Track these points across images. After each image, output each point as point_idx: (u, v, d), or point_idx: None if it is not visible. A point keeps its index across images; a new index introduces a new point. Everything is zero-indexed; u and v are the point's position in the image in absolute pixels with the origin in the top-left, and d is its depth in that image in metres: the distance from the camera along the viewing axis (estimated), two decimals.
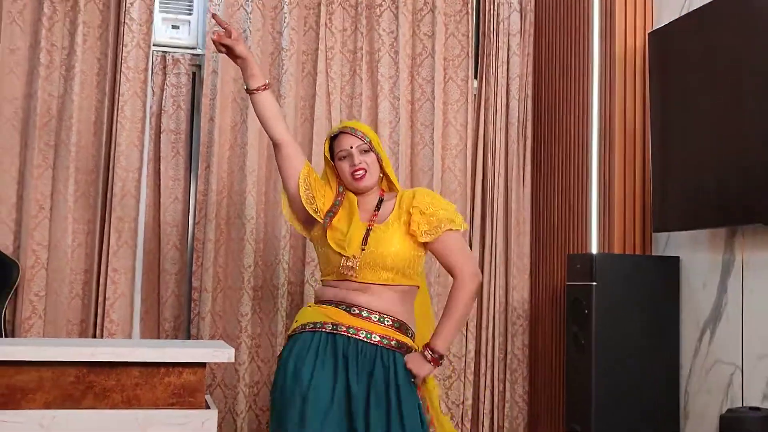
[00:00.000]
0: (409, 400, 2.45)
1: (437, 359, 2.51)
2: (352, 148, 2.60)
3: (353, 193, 2.66)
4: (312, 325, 2.55)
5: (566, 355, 3.30)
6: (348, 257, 2.53)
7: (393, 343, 2.51)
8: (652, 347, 3.15)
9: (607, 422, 3.06)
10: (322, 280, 2.73)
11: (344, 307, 2.54)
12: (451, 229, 2.55)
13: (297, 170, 2.67)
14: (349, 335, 2.49)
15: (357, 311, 2.52)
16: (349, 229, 2.57)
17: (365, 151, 2.61)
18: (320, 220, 2.62)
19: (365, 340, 2.49)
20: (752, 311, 2.84)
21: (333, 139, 2.67)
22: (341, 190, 2.68)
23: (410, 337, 2.58)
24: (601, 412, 3.06)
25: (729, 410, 2.59)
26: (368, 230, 2.56)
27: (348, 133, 2.63)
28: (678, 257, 3.24)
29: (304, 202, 2.64)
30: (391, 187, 2.74)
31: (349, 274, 2.54)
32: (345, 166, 2.61)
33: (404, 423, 2.40)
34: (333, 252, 2.56)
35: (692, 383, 3.12)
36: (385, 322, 2.52)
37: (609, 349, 3.10)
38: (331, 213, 2.62)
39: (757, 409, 2.57)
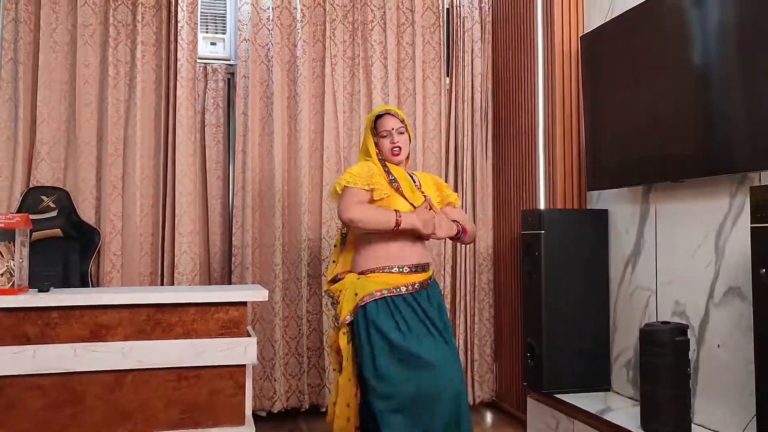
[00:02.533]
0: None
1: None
2: (393, 129, 2.58)
3: (388, 161, 2.61)
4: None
5: (522, 286, 3.30)
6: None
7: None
8: (587, 279, 3.16)
9: (554, 336, 3.08)
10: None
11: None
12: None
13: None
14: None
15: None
16: (414, 193, 2.58)
17: (401, 132, 2.59)
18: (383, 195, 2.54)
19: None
20: (663, 249, 2.83)
21: (378, 117, 2.63)
22: (386, 169, 2.60)
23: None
24: (549, 329, 3.08)
25: (646, 324, 2.60)
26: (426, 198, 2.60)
27: (392, 115, 2.61)
28: (606, 210, 3.23)
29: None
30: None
31: None
32: (386, 143, 2.59)
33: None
34: (405, 205, 2.54)
35: (618, 305, 3.12)
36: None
37: (554, 281, 3.10)
38: (396, 184, 2.57)
39: (667, 322, 2.57)
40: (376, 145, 2.62)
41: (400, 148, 2.58)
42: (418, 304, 2.49)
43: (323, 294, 2.68)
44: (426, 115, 4.05)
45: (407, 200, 2.55)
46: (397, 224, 2.44)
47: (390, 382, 2.38)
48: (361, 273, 2.55)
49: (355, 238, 2.64)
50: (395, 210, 2.47)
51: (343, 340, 2.53)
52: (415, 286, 2.53)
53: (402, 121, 2.61)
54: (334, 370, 2.67)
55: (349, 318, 2.50)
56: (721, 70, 2.40)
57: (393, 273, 2.52)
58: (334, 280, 2.65)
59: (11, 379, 2.30)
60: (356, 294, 2.51)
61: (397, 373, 2.38)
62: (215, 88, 3.82)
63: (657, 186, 2.86)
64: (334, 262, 2.74)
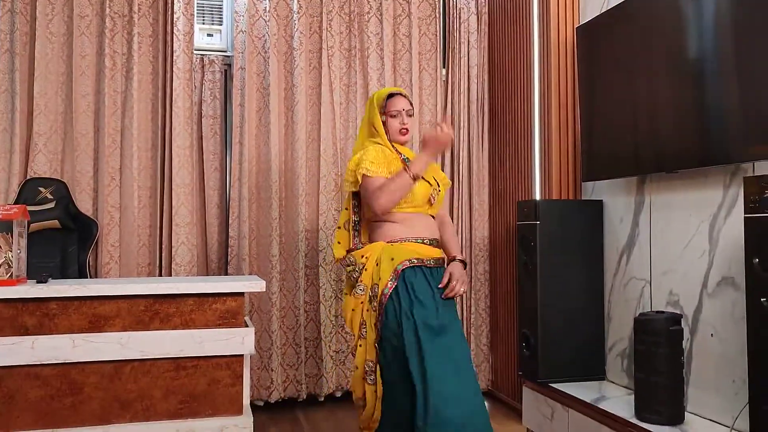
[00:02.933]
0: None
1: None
2: (403, 110, 2.57)
3: (394, 141, 2.56)
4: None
5: (517, 277, 3.32)
6: (434, 186, 2.52)
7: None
8: (582, 269, 3.17)
9: (550, 326, 3.09)
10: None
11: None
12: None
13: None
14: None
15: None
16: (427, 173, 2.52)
17: (410, 115, 2.59)
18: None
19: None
20: (657, 239, 2.85)
21: (389, 97, 2.58)
22: (397, 150, 2.56)
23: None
24: (544, 319, 3.09)
25: (641, 314, 2.61)
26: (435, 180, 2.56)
27: (403, 96, 2.59)
28: (601, 200, 3.24)
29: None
30: None
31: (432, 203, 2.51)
32: (395, 123, 2.56)
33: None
34: (422, 183, 2.47)
35: (613, 295, 3.14)
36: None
37: (550, 272, 3.11)
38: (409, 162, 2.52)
39: (661, 312, 2.59)
40: (384, 124, 2.57)
41: (408, 130, 2.57)
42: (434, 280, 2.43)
43: (345, 259, 2.54)
44: (422, 107, 4.05)
45: (424, 179, 2.48)
46: (414, 177, 2.39)
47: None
48: (389, 242, 2.44)
49: (370, 215, 2.54)
50: (402, 169, 2.41)
51: (362, 312, 2.42)
52: (438, 262, 2.47)
53: (411, 106, 2.61)
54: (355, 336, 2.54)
55: (390, 286, 2.33)
56: (716, 62, 2.41)
57: (423, 244, 2.45)
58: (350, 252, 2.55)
59: (10, 369, 2.31)
60: (392, 259, 2.37)
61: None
62: (212, 79, 3.82)
63: (651, 177, 2.87)
64: (338, 243, 2.63)
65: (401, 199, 2.41)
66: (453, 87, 4.09)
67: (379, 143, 2.54)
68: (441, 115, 4.06)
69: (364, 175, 2.43)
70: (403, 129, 2.55)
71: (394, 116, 2.56)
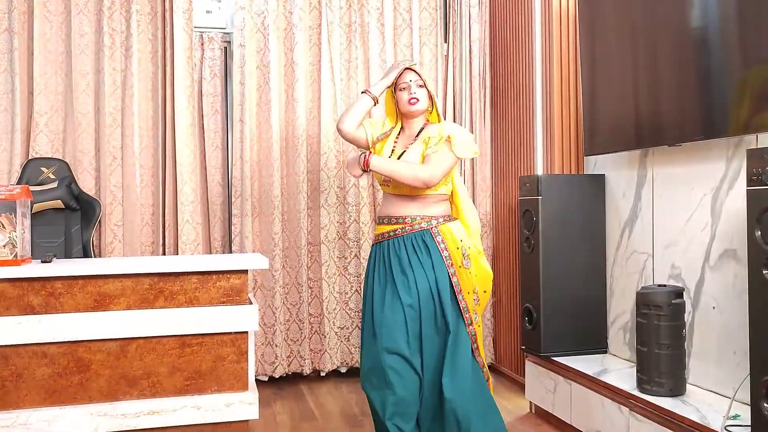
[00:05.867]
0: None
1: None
2: (411, 81, 2.60)
3: (407, 115, 2.64)
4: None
5: (520, 252, 3.32)
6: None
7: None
8: (584, 244, 3.17)
9: (552, 301, 3.10)
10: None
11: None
12: (448, 151, 2.53)
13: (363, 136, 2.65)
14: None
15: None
16: (383, 148, 2.64)
17: (420, 86, 2.60)
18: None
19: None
20: (660, 213, 2.84)
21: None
22: (396, 121, 2.68)
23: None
24: (547, 294, 3.10)
25: (643, 287, 2.61)
26: (403, 152, 2.58)
27: (412, 69, 2.63)
28: (603, 174, 3.23)
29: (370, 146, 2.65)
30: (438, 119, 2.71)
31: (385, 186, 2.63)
32: (404, 95, 2.60)
33: None
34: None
35: (616, 269, 3.15)
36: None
37: (552, 246, 3.12)
38: (379, 138, 2.65)
39: (663, 285, 2.59)
40: (397, 103, 2.64)
41: (418, 99, 2.59)
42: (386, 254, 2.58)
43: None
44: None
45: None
46: (371, 98, 2.60)
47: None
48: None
49: None
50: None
51: None
52: (396, 232, 2.57)
53: (421, 77, 2.61)
54: None
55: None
56: (719, 33, 2.38)
57: (381, 224, 2.63)
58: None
59: (17, 348, 2.33)
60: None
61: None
62: (212, 57, 3.79)
63: (654, 150, 2.86)
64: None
65: (355, 116, 2.58)
66: (454, 62, 4.06)
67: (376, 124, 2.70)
68: (442, 91, 4.03)
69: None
70: (412, 99, 2.59)
71: (403, 89, 2.61)
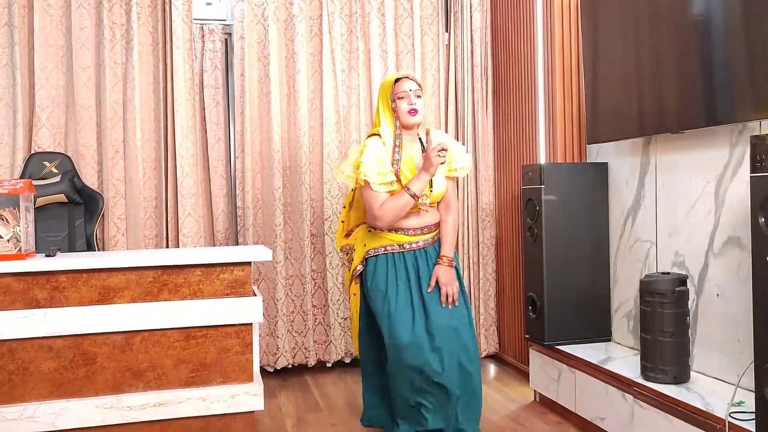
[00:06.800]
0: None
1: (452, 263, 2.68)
2: (410, 91, 2.62)
3: (404, 126, 2.66)
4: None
5: (523, 241, 3.32)
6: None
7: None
8: (588, 232, 3.16)
9: (555, 289, 3.10)
10: None
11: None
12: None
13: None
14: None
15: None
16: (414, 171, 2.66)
17: (418, 96, 2.64)
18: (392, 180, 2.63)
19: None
20: (663, 200, 2.83)
21: (396, 81, 2.66)
22: (397, 133, 2.65)
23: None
24: (550, 283, 3.10)
25: (646, 275, 2.61)
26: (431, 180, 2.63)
27: (410, 78, 2.66)
28: (606, 163, 3.22)
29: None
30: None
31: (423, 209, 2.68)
32: (403, 104, 2.63)
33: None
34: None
35: (619, 257, 3.14)
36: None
37: (555, 235, 3.11)
38: (397, 166, 2.62)
39: (667, 273, 2.59)
40: (394, 110, 2.65)
41: (417, 110, 2.63)
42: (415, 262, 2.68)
43: (339, 251, 2.91)
44: (425, 72, 4.01)
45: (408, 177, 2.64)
46: (414, 197, 2.58)
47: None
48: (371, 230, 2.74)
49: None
50: (405, 188, 2.58)
51: (354, 288, 2.83)
52: (419, 244, 2.68)
53: (420, 86, 2.67)
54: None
55: (359, 269, 2.72)
56: (723, 18, 2.37)
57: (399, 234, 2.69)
58: (348, 234, 2.86)
59: (23, 341, 2.35)
60: (365, 245, 2.71)
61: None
62: (212, 48, 3.78)
63: (657, 137, 2.85)
64: (342, 222, 2.91)
65: (403, 216, 2.63)
66: (456, 51, 4.04)
67: (377, 134, 2.67)
68: (444, 81, 4.02)
69: (366, 181, 2.59)
70: (412, 109, 2.62)
71: (402, 98, 2.63)
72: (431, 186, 2.63)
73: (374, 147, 2.62)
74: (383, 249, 2.67)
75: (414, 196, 2.57)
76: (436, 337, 2.55)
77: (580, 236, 3.14)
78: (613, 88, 2.96)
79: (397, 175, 2.59)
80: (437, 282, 2.63)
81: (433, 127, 2.84)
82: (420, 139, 2.72)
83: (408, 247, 2.66)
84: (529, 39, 3.63)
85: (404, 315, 2.58)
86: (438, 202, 2.74)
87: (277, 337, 3.73)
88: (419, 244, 2.67)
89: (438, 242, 2.73)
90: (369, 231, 2.73)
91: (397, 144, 2.64)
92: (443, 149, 2.55)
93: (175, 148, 3.58)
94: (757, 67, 2.21)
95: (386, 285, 2.63)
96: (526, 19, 3.65)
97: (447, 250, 2.67)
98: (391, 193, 2.60)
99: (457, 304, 2.63)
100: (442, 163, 2.60)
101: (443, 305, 2.60)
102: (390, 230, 2.66)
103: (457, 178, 2.74)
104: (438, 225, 2.74)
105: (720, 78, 2.38)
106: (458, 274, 2.72)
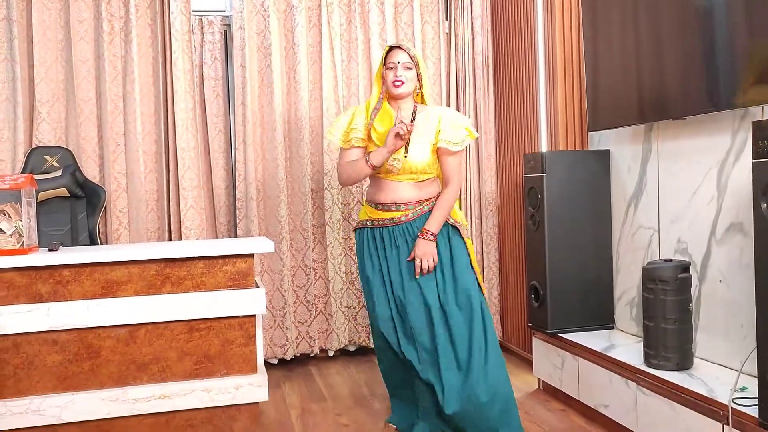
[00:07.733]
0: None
1: (433, 237, 2.57)
2: (399, 63, 2.57)
3: (390, 97, 2.63)
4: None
5: (525, 229, 3.32)
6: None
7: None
8: (590, 220, 3.16)
9: (558, 277, 3.10)
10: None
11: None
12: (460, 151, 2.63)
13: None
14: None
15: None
16: (386, 130, 2.61)
17: (408, 68, 2.58)
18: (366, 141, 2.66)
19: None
20: (665, 187, 2.83)
21: (390, 50, 2.62)
22: (380, 98, 2.66)
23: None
24: (552, 271, 3.10)
25: (649, 263, 2.61)
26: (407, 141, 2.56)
27: (402, 49, 2.60)
28: (608, 150, 3.21)
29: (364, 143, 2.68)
30: (424, 101, 2.71)
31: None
32: (389, 75, 2.59)
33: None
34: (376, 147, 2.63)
35: (621, 245, 3.14)
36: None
37: (557, 223, 3.11)
38: (373, 113, 2.63)
39: (670, 260, 2.59)
40: (383, 78, 2.63)
41: (402, 82, 2.56)
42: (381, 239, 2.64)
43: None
44: (426, 60, 3.99)
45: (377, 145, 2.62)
46: (371, 166, 2.57)
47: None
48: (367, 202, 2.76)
49: None
50: (365, 156, 2.59)
51: None
52: (393, 221, 2.62)
53: (412, 58, 2.58)
54: None
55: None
56: (723, 3, 2.35)
57: (375, 209, 2.66)
58: None
59: (28, 335, 2.36)
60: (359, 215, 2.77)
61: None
62: (212, 40, 3.77)
63: (659, 124, 2.83)
64: None
65: (358, 181, 2.67)
66: (456, 39, 4.02)
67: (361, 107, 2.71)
68: (445, 69, 4.00)
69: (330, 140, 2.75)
70: (396, 81, 2.57)
71: (390, 68, 2.59)
72: (406, 152, 2.55)
73: (351, 110, 2.73)
74: (362, 224, 2.69)
75: (371, 166, 2.56)
76: (409, 314, 2.53)
77: (583, 224, 3.14)
78: (614, 75, 2.95)
79: (370, 137, 2.62)
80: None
81: (432, 103, 2.76)
82: (414, 112, 2.62)
83: (378, 223, 2.62)
84: (529, 26, 3.61)
85: (376, 290, 2.62)
86: (429, 179, 2.63)
87: (285, 328, 3.74)
88: (392, 221, 2.59)
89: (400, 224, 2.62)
90: (367, 202, 2.75)
91: (377, 107, 2.64)
92: (407, 130, 2.47)
93: (176, 140, 3.58)
94: (759, 51, 2.19)
95: (363, 260, 2.66)
96: (526, 6, 3.63)
97: (430, 224, 2.55)
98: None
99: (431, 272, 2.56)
100: (404, 142, 2.52)
101: (417, 277, 2.54)
102: (369, 203, 2.68)
103: (459, 152, 2.62)
104: (424, 201, 2.62)
105: (722, 63, 2.37)
106: (465, 250, 2.62)
